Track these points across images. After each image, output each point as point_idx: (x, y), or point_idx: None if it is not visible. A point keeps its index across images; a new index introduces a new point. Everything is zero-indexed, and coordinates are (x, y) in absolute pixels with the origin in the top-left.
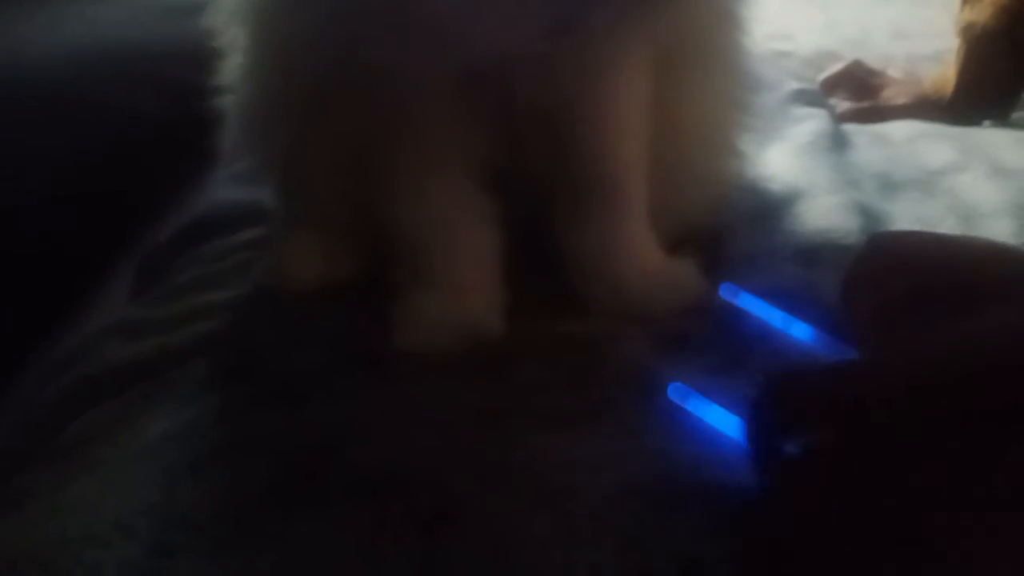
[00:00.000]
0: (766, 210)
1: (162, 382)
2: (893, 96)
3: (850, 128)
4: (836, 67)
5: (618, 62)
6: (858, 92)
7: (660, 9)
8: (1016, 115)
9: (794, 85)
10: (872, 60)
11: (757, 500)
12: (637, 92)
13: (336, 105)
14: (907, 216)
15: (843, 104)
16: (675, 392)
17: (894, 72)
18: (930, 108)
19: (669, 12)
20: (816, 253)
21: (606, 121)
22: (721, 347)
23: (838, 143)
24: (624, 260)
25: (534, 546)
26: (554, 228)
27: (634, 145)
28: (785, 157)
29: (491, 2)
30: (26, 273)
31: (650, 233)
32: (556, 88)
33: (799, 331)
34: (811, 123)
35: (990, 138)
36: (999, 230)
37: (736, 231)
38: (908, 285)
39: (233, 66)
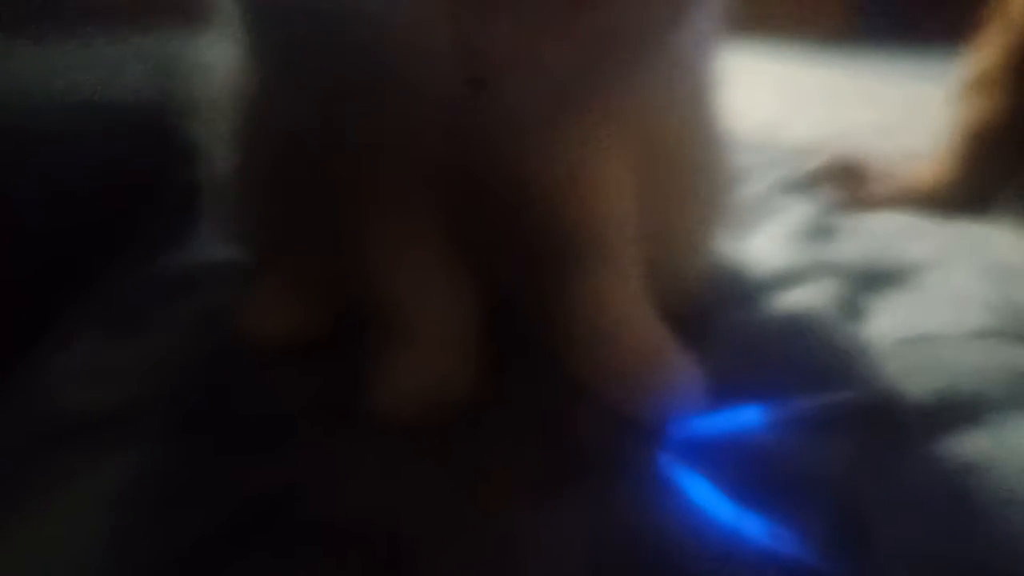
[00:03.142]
0: (749, 293)
1: (125, 429)
2: (879, 188)
3: (834, 218)
4: (823, 157)
5: (578, 139)
6: (845, 183)
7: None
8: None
9: (781, 174)
10: (859, 153)
11: None
12: (616, 164)
13: (304, 181)
14: (886, 306)
15: (829, 194)
16: (663, 462)
17: (881, 165)
18: (916, 201)
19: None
20: (794, 330)
21: (586, 185)
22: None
23: (822, 232)
24: (617, 324)
25: None
26: (534, 293)
27: (617, 207)
28: (769, 244)
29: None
30: None
31: (644, 299)
32: (517, 162)
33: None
34: (795, 212)
35: (974, 232)
36: (978, 325)
37: (718, 311)
38: None
39: (210, 133)
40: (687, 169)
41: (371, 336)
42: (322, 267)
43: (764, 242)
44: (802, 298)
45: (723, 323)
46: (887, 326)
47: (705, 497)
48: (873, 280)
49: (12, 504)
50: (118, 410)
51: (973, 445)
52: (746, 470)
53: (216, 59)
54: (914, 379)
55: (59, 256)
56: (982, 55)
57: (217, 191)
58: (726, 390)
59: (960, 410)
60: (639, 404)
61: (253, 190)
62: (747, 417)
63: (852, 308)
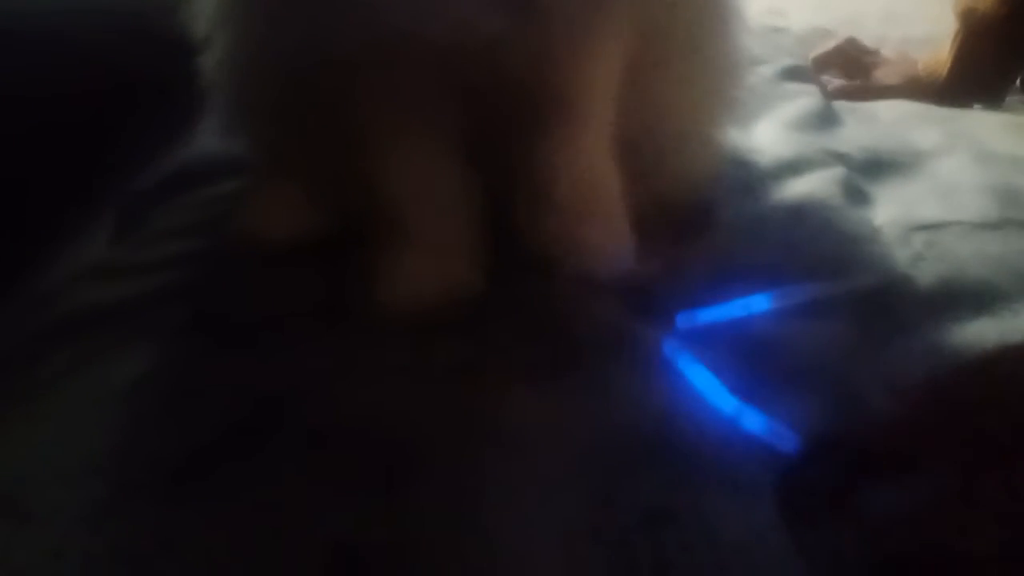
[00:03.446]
0: (754, 181)
1: (134, 326)
2: (885, 76)
3: (840, 105)
4: (829, 44)
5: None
6: (850, 70)
7: None
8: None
9: (786, 62)
10: (865, 40)
11: None
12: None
13: (310, 75)
14: (890, 193)
15: (834, 81)
16: (667, 349)
17: (887, 52)
18: (921, 90)
19: None
20: (801, 216)
21: (575, 51)
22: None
23: (827, 120)
24: (570, 172)
25: (499, 503)
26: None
27: (600, 66)
28: (775, 131)
29: None
30: (4, 211)
31: (607, 156)
32: (529, 62)
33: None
34: (801, 99)
35: (978, 122)
36: (978, 210)
37: (724, 200)
38: None
39: (214, 25)
40: (697, 53)
41: (374, 236)
42: (324, 167)
43: (769, 130)
44: (808, 186)
45: (730, 211)
46: (892, 214)
47: (706, 386)
48: (878, 168)
49: (24, 397)
50: (126, 307)
51: (979, 334)
52: (748, 358)
53: None
54: (920, 267)
55: (63, 157)
56: None
57: (217, 88)
58: (734, 277)
59: (966, 298)
60: (568, 255)
61: (252, 89)
62: (753, 304)
63: (858, 195)
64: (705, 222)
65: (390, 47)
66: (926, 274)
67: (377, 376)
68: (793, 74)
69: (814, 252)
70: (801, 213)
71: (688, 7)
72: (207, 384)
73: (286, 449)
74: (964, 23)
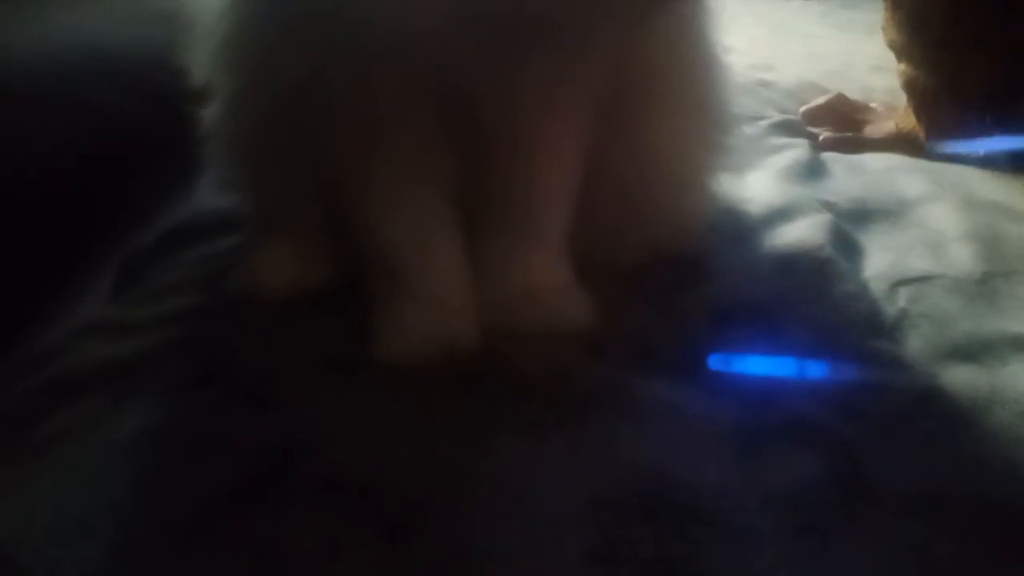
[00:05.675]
0: (745, 230)
1: (135, 383)
2: (874, 131)
3: (828, 157)
4: (819, 100)
5: (566, 95)
6: (840, 126)
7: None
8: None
9: (776, 116)
10: (852, 92)
11: None
12: (573, 132)
13: (307, 122)
14: (878, 242)
15: (825, 133)
16: (716, 362)
17: (876, 107)
18: (908, 144)
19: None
20: (792, 265)
21: (537, 153)
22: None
23: (816, 171)
24: (513, 275)
25: (499, 556)
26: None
27: (558, 180)
28: (765, 182)
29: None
30: (3, 269)
31: (555, 261)
32: (509, 110)
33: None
34: (791, 152)
35: (963, 173)
36: (962, 255)
37: (716, 249)
38: None
39: (212, 72)
40: (683, 103)
41: (373, 288)
42: (322, 221)
43: (759, 180)
44: (798, 233)
45: (723, 259)
46: (879, 266)
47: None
48: (866, 217)
49: (26, 455)
50: (126, 364)
51: (970, 385)
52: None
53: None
54: (910, 319)
55: (62, 214)
56: (888, 26)
57: (215, 139)
58: (730, 326)
59: (956, 350)
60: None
61: (251, 137)
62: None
63: (847, 244)
64: (700, 270)
65: (387, 79)
66: (916, 327)
67: (378, 431)
68: (782, 128)
69: (806, 307)
70: (793, 261)
71: (666, 60)
72: (208, 441)
73: (289, 504)
74: (910, 90)
